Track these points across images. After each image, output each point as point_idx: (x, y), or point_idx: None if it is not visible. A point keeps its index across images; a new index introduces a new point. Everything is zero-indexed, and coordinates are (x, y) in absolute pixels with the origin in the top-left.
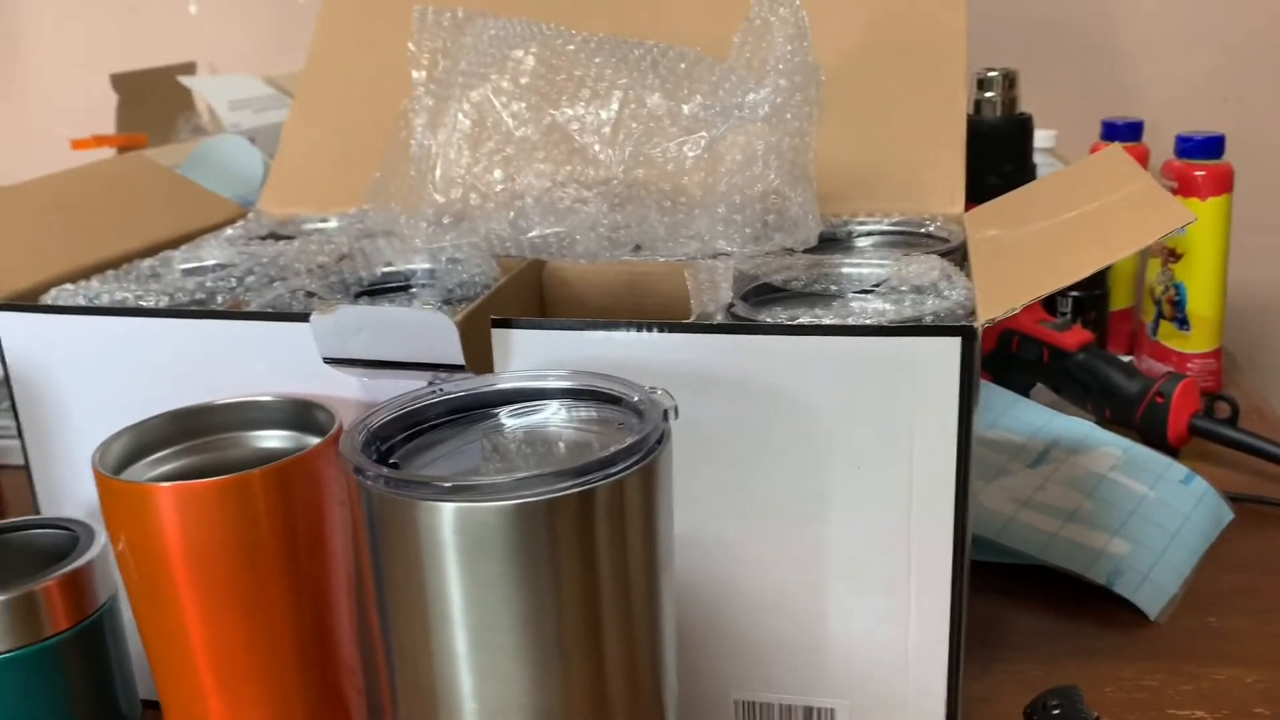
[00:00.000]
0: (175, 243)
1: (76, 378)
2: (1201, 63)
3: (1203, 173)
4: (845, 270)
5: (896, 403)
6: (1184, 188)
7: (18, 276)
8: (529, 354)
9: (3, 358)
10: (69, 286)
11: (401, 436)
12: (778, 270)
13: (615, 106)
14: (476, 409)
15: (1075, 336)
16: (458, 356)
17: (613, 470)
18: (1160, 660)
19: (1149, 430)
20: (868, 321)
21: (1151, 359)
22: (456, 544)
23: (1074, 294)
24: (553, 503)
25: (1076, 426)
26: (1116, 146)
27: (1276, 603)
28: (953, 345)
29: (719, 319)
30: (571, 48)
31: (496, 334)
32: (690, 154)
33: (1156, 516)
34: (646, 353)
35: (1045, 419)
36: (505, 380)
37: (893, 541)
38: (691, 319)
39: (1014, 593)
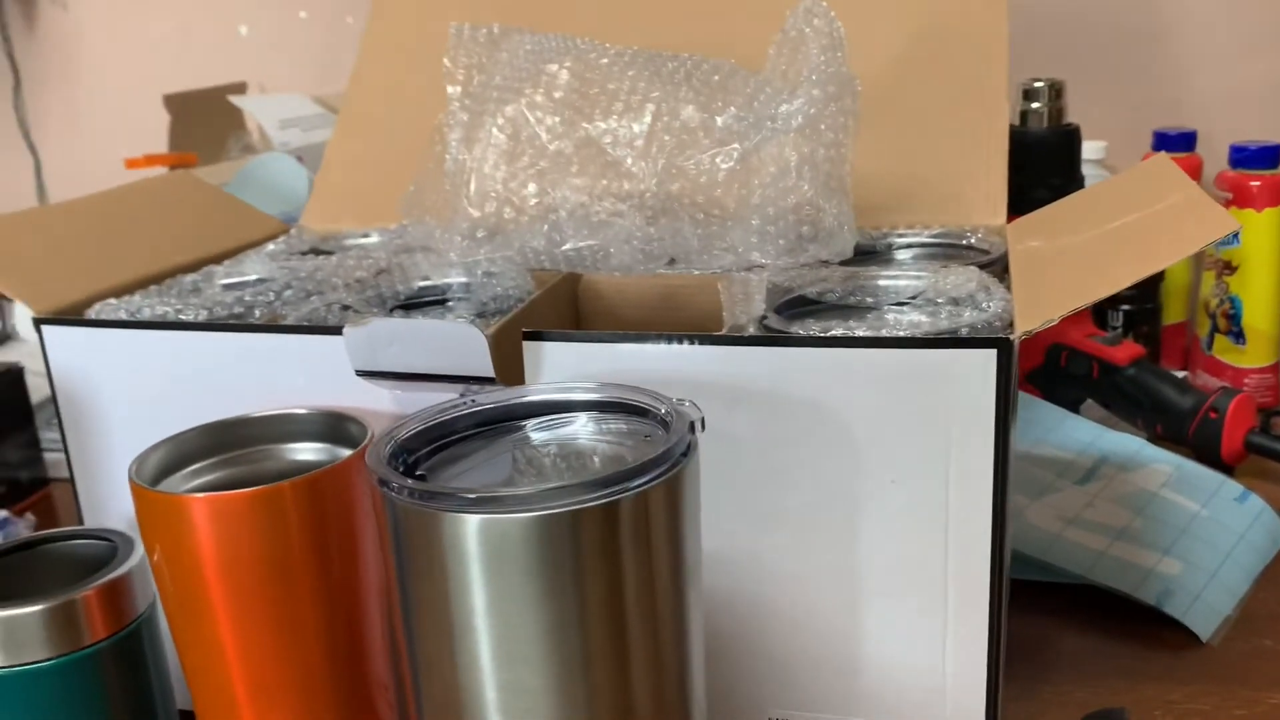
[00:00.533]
0: (219, 258)
1: (118, 390)
2: (1257, 71)
3: (1258, 183)
4: (881, 282)
5: (932, 416)
6: (1238, 199)
7: (64, 291)
8: (561, 366)
9: (49, 370)
10: (112, 301)
11: (429, 449)
12: (812, 282)
13: (648, 119)
14: (504, 421)
15: (1126, 351)
16: (488, 369)
17: (637, 482)
18: (1212, 683)
19: (1202, 447)
20: (902, 333)
21: (1207, 374)
22: (480, 555)
23: (1125, 307)
24: (577, 515)
25: (1126, 443)
26: (1162, 155)
27: None
28: (989, 358)
29: (751, 331)
30: (605, 61)
31: (528, 346)
32: (724, 166)
33: (1209, 535)
34: (678, 365)
35: (1094, 435)
36: (533, 393)
37: (929, 558)
38: (723, 331)
39: (1060, 613)
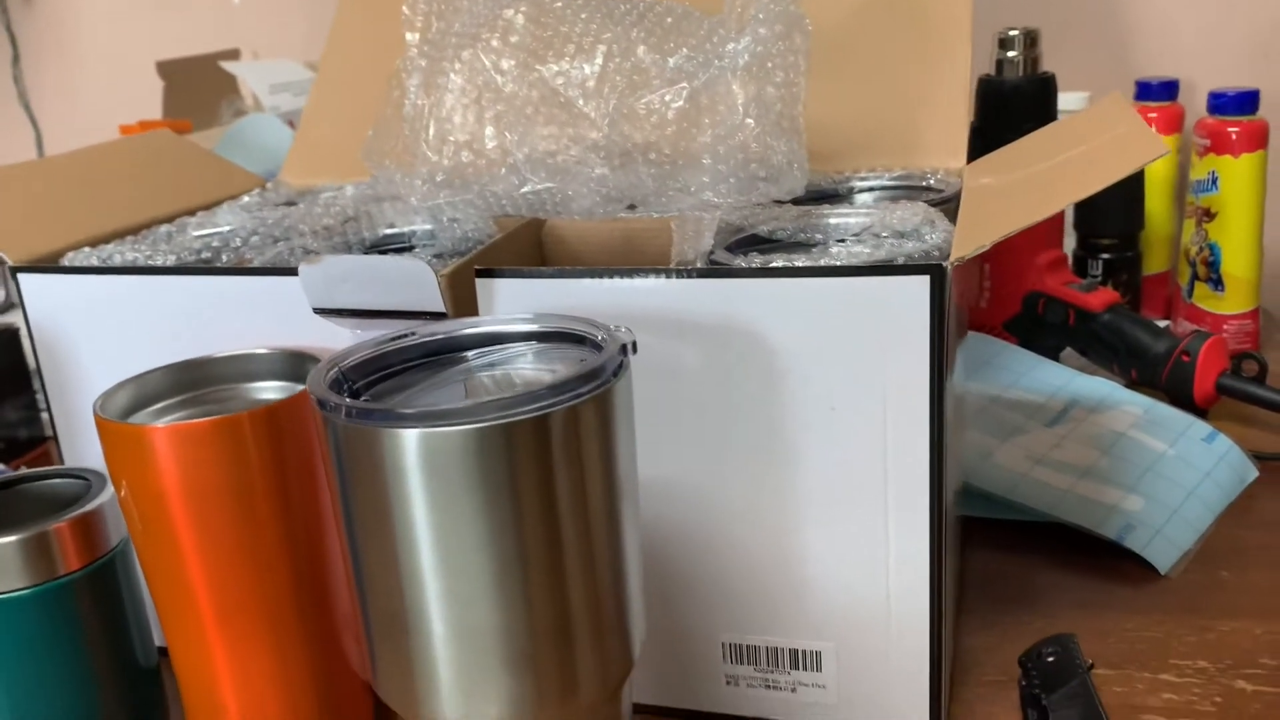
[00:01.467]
0: (196, 211)
1: (91, 334)
2: (1239, 18)
3: (1236, 130)
4: (832, 220)
5: (868, 343)
6: (1216, 145)
7: (44, 241)
8: (514, 303)
9: (25, 317)
10: (86, 249)
11: (370, 379)
12: (765, 221)
13: (600, 61)
14: (447, 353)
15: (1101, 297)
16: (439, 304)
17: (567, 396)
18: (1167, 613)
19: (1175, 390)
20: (838, 263)
21: (1188, 322)
22: (418, 469)
23: (1105, 256)
24: (510, 427)
25: (1098, 386)
26: (1117, 94)
27: None
28: (922, 284)
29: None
30: (559, 4)
31: (481, 284)
32: (673, 105)
33: (1174, 474)
34: (625, 299)
35: (1066, 379)
36: (474, 325)
37: (869, 484)
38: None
39: (1024, 549)
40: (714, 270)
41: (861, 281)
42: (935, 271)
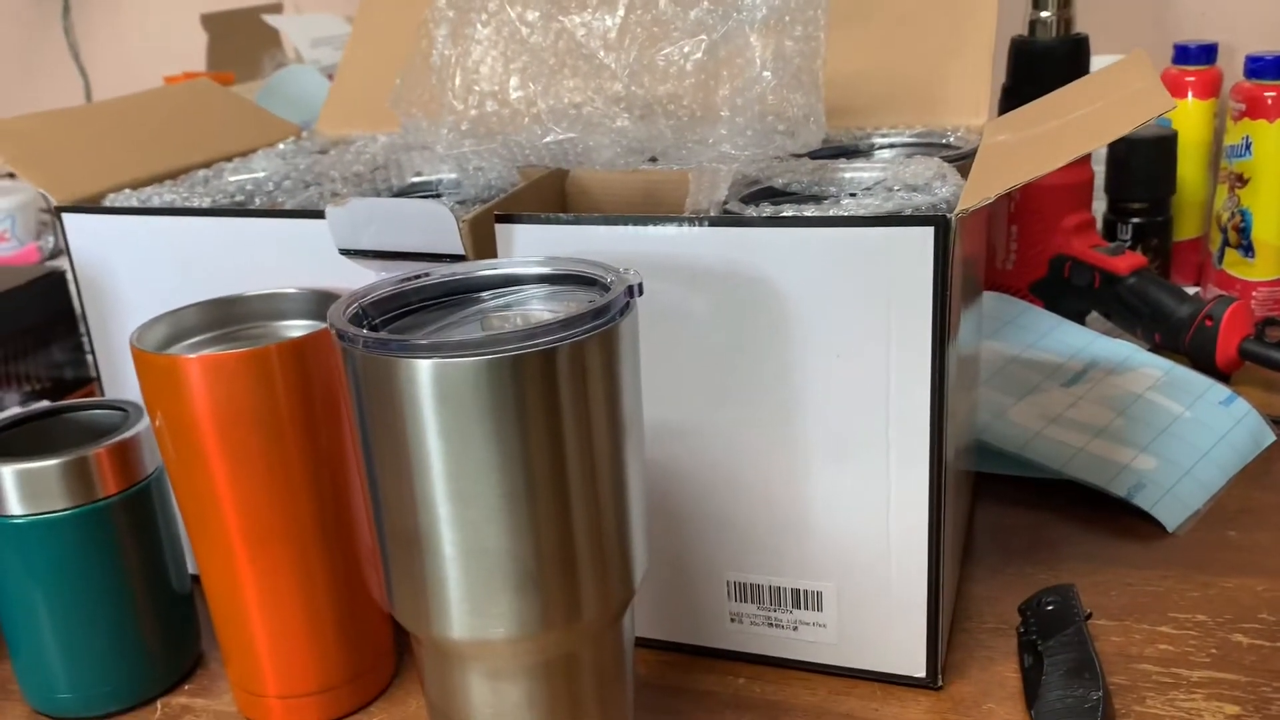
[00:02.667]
0: (233, 158)
1: (129, 271)
2: None
3: (1272, 94)
4: (846, 174)
5: (874, 293)
6: (1252, 109)
7: (87, 184)
8: (532, 248)
9: (69, 255)
10: (127, 191)
11: (389, 316)
12: (781, 173)
13: (621, 12)
14: (462, 293)
15: (1127, 260)
16: (458, 246)
17: (574, 332)
18: (1171, 568)
19: (1198, 354)
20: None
21: (1217, 289)
22: (432, 399)
23: (1135, 220)
24: (518, 359)
25: (1119, 348)
26: (1140, 52)
27: None
28: (926, 235)
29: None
30: None
31: (500, 229)
32: (692, 58)
33: (1189, 435)
34: (639, 247)
35: (1086, 340)
36: (489, 267)
37: (871, 430)
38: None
39: (1035, 505)
40: (724, 219)
41: (867, 232)
42: (939, 223)
